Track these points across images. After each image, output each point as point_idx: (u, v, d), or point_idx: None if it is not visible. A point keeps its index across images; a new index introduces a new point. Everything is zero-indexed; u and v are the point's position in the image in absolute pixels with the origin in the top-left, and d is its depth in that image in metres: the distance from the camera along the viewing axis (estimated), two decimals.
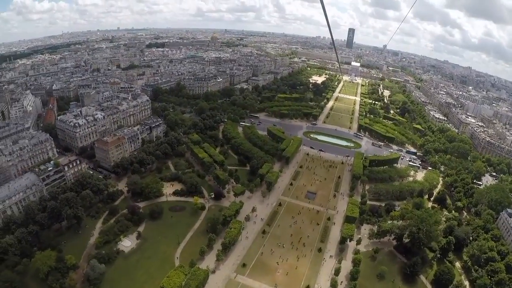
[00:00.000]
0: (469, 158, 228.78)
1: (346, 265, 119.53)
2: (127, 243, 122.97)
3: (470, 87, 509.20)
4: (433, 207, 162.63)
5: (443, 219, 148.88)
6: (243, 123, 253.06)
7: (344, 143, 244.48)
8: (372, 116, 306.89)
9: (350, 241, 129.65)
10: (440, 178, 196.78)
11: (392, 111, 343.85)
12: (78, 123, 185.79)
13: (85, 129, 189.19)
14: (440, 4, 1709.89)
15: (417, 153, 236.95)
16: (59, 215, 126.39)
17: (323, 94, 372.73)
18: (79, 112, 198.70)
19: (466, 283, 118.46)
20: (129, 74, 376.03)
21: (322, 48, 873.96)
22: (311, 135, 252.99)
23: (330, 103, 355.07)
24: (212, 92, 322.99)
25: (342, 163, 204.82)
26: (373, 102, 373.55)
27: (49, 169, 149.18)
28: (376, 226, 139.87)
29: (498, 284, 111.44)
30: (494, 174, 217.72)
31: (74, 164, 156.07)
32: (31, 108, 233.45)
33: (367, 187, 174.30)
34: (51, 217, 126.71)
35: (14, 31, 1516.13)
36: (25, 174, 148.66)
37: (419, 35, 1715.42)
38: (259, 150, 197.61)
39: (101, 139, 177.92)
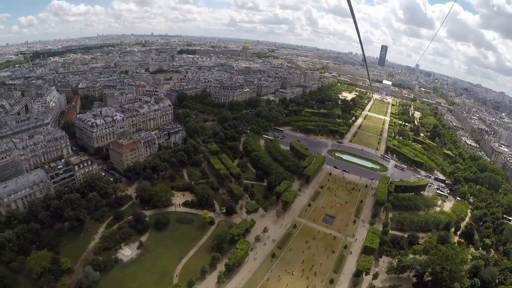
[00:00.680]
0: (500, 191, 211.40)
1: None
2: (127, 252, 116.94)
3: (503, 114, 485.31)
4: (459, 242, 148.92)
5: (469, 257, 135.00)
6: (266, 136, 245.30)
7: (370, 164, 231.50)
8: (401, 138, 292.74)
9: (366, 274, 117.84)
10: (469, 210, 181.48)
11: (422, 134, 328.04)
12: (96, 122, 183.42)
13: (102, 129, 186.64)
14: (475, 23, 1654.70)
15: (446, 181, 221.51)
16: (61, 215, 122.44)
17: (351, 111, 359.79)
18: (98, 112, 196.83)
19: None
20: (156, 78, 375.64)
21: (354, 64, 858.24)
22: (336, 154, 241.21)
23: (359, 121, 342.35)
24: (237, 102, 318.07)
25: (366, 186, 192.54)
26: (403, 123, 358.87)
27: (59, 167, 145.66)
28: (396, 260, 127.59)
29: None
30: None
31: (85, 164, 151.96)
32: (54, 104, 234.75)
33: (390, 214, 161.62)
34: (54, 216, 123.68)
35: (51, 31, 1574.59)
36: (35, 170, 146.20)
37: (453, 56, 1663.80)
38: (279, 165, 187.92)
39: (116, 141, 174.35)
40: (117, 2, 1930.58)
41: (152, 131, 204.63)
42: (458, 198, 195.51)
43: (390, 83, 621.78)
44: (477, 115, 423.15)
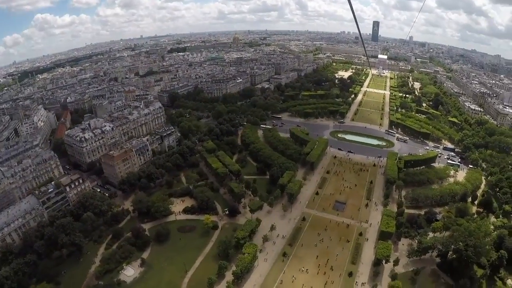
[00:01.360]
0: (511, 153, 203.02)
1: None
2: (129, 272, 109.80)
3: (502, 76, 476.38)
4: (478, 212, 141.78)
5: (491, 227, 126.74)
6: (264, 126, 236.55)
7: (375, 142, 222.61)
8: (403, 110, 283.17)
9: (386, 262, 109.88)
10: (483, 177, 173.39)
11: (424, 104, 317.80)
12: (84, 137, 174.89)
13: (92, 143, 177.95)
14: None
15: (456, 150, 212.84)
16: (57, 242, 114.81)
17: (350, 89, 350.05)
18: (87, 125, 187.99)
19: None
20: (146, 81, 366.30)
21: (347, 42, 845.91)
22: (339, 135, 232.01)
23: (358, 98, 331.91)
24: (231, 94, 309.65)
25: (374, 165, 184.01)
26: (404, 95, 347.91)
27: (49, 190, 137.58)
28: (416, 241, 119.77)
29: None
30: None
31: (77, 184, 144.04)
32: (42, 124, 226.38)
33: (403, 192, 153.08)
34: (49, 244, 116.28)
35: (38, 47, 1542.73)
36: (26, 197, 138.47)
37: (445, 25, 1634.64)
38: (280, 155, 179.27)
39: (107, 154, 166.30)
40: (102, 8, 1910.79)
41: (145, 136, 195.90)
42: (470, 166, 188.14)
43: (385, 57, 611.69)
44: (477, 80, 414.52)
